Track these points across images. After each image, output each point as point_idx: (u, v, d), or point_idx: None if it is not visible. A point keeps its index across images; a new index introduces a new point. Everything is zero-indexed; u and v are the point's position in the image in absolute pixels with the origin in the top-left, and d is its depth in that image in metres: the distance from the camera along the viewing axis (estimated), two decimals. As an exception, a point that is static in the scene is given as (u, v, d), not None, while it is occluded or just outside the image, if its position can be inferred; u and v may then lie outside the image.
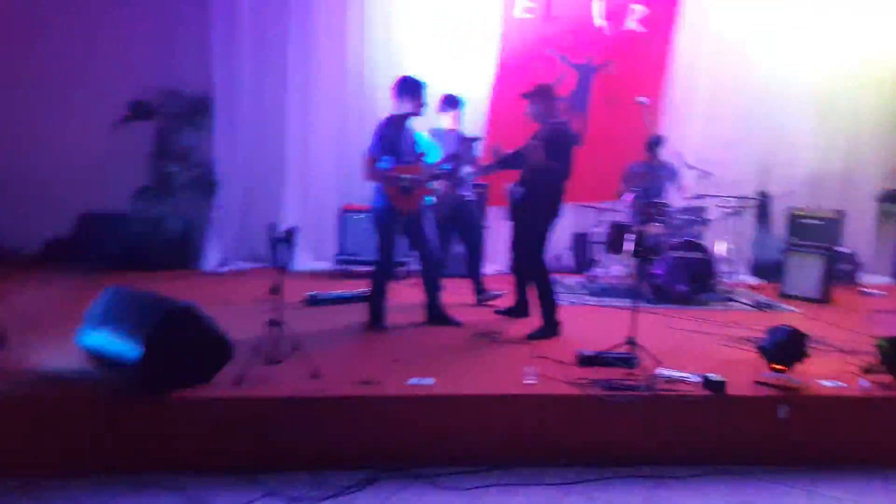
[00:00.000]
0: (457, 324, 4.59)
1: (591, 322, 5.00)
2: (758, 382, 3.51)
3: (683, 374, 3.56)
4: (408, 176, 4.31)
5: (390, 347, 4.10)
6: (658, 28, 6.89)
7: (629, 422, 3.27)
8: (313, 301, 5.16)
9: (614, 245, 6.07)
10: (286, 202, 6.85)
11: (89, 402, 3.14)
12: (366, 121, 6.85)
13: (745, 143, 7.09)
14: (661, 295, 5.63)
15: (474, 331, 4.49)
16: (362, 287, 5.40)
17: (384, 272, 4.46)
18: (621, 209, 6.52)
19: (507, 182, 4.68)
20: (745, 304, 5.69)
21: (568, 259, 7.12)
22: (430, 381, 3.39)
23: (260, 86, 6.77)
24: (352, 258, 6.42)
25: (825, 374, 3.60)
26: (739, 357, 4.03)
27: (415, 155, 4.49)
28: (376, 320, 4.45)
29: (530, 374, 3.45)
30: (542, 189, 4.39)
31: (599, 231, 6.28)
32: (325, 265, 6.82)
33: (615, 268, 6.54)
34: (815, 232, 5.93)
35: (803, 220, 6.01)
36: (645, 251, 5.85)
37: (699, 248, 5.65)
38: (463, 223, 5.18)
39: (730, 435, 3.31)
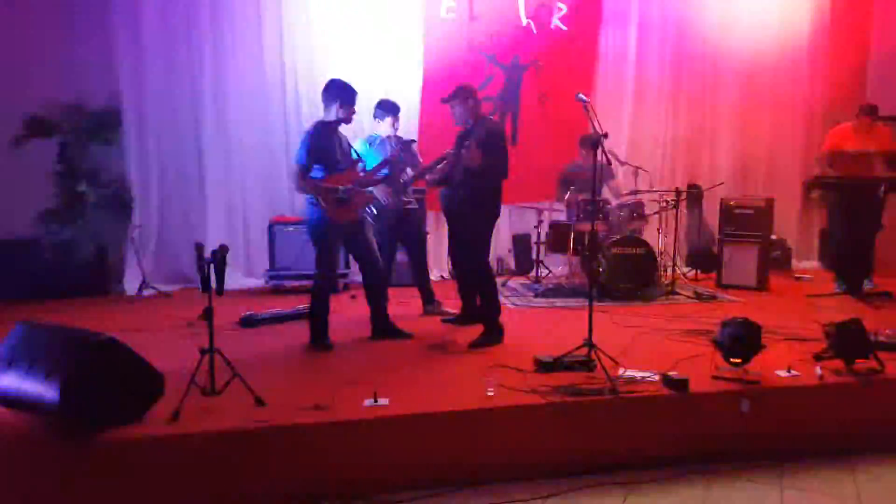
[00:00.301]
0: (406, 336, 4.37)
1: (541, 325, 4.90)
2: (715, 377, 3.48)
3: (644, 374, 3.49)
4: (343, 186, 4.06)
5: (338, 367, 3.83)
6: (583, 24, 6.92)
7: (596, 427, 3.16)
8: (248, 322, 4.81)
9: (557, 245, 6.05)
10: (209, 217, 6.49)
11: (4, 447, 2.76)
12: (290, 128, 6.63)
13: (672, 136, 7.24)
14: (606, 292, 5.60)
15: (425, 342, 4.29)
16: (300, 304, 5.14)
17: (325, 286, 4.18)
18: (560, 209, 6.52)
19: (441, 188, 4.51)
20: (687, 296, 5.74)
21: (509, 261, 7.04)
22: (384, 401, 3.16)
23: (172, 95, 6.36)
24: (284, 273, 6.09)
25: (779, 365, 3.61)
26: (692, 352, 4.00)
27: (349, 162, 4.24)
28: (320, 338, 4.17)
29: (490, 384, 3.28)
30: (479, 191, 4.23)
31: (538, 231, 6.22)
32: (255, 282, 6.47)
33: (558, 268, 6.52)
34: (748, 221, 6.07)
35: (735, 210, 6.14)
36: (589, 249, 5.88)
37: (641, 243, 5.66)
38: (407, 231, 4.98)
39: (696, 433, 3.25)
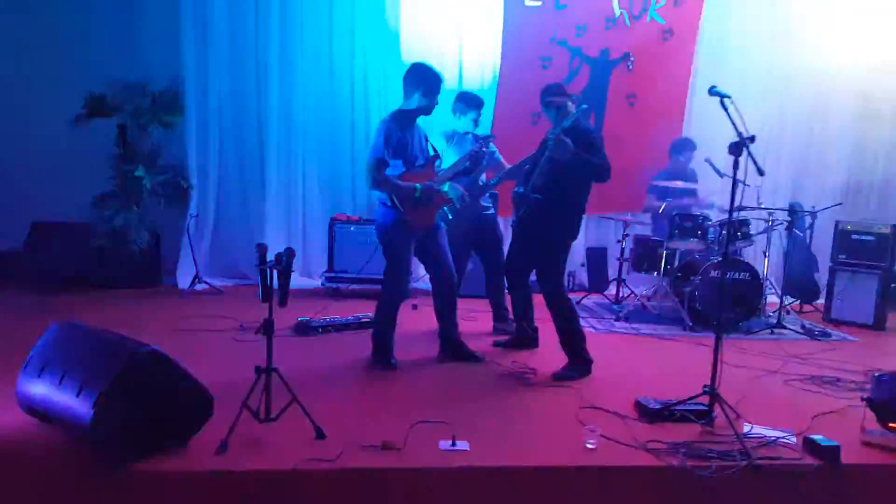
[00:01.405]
0: (479, 359, 3.86)
1: (630, 356, 4.31)
2: (866, 444, 2.85)
3: (778, 434, 2.88)
4: (422, 184, 3.57)
5: (405, 393, 3.35)
6: (682, 19, 6.23)
7: (723, 501, 2.57)
8: (303, 329, 4.39)
9: (642, 262, 5.43)
10: (267, 210, 6.10)
11: (28, 476, 2.39)
12: (356, 121, 6.20)
13: (775, 150, 6.51)
14: (702, 321, 4.96)
15: (500, 368, 3.76)
16: (359, 311, 4.70)
17: (394, 299, 3.69)
18: (646, 221, 5.90)
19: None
20: (796, 331, 5.04)
21: (581, 277, 6.43)
22: (464, 445, 2.66)
23: (236, 80, 6.02)
24: (343, 275, 5.66)
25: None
26: (824, 404, 3.37)
27: (427, 158, 3.75)
28: (383, 356, 3.70)
29: (592, 435, 2.73)
30: (564, 200, 3.67)
31: (622, 246, 5.61)
32: (311, 283, 6.07)
33: (640, 288, 5.89)
34: (867, 248, 5.32)
35: (853, 235, 5.39)
36: (682, 270, 5.25)
37: (744, 266, 4.99)
38: (483, 239, 4.46)
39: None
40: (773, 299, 5.61)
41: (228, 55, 5.99)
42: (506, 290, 4.36)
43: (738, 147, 2.89)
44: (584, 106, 3.69)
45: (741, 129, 2.93)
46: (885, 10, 6.37)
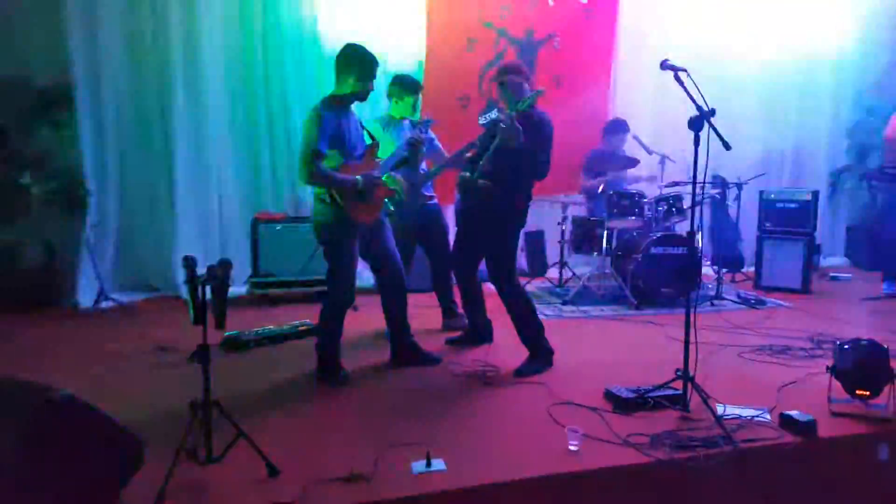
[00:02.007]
0: (436, 361, 3.61)
1: (585, 340, 4.20)
2: (835, 414, 2.84)
3: (752, 412, 2.82)
4: (363, 176, 3.25)
5: (362, 409, 3.04)
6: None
7: (714, 491, 2.46)
8: (232, 344, 3.95)
9: (581, 243, 5.35)
10: (178, 213, 5.53)
11: None
12: (274, 109, 5.73)
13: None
14: (644, 298, 4.93)
15: (460, 369, 3.53)
16: (293, 318, 4.34)
17: (339, 305, 3.35)
18: (580, 201, 5.84)
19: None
20: (733, 301, 5.11)
21: (521, 262, 6.30)
22: (440, 464, 2.40)
23: (134, 69, 5.38)
24: (270, 279, 5.23)
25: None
26: (783, 375, 3.38)
27: (366, 147, 3.43)
28: (331, 370, 3.36)
29: (574, 437, 2.55)
30: (515, 188, 3.46)
31: (563, 228, 5.50)
32: (235, 290, 5.56)
33: (580, 269, 5.83)
34: (791, 216, 5.47)
35: (777, 204, 5.53)
36: (622, 249, 5.20)
37: (682, 241, 5.00)
38: (427, 231, 4.19)
39: (831, 490, 2.59)
40: (706, 271, 5.70)
41: (123, 40, 5.32)
42: (453, 283, 4.12)
43: (700, 122, 2.75)
44: (542, 90, 3.47)
45: (700, 102, 2.79)
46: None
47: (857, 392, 2.84)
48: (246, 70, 5.64)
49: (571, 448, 2.52)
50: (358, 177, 3.22)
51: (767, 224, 5.59)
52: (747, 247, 6.30)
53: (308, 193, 5.82)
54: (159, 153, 5.51)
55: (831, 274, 6.30)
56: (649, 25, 6.39)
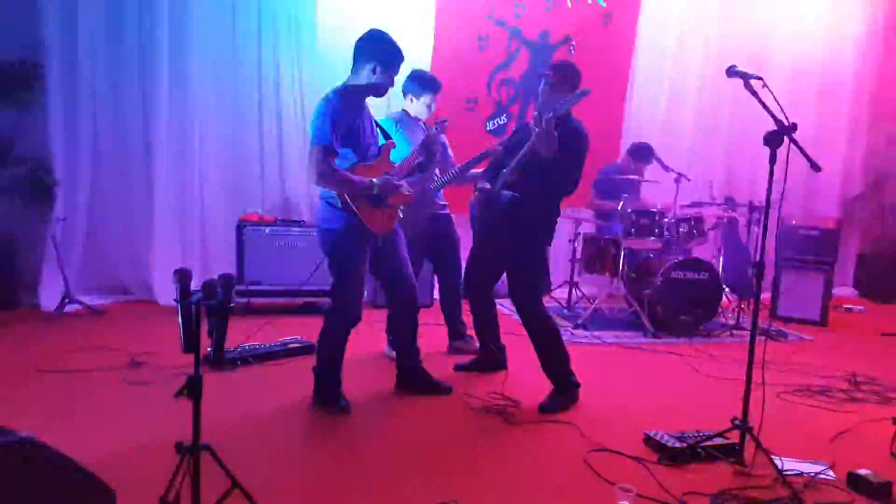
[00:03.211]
0: (445, 391, 3.20)
1: (609, 371, 3.83)
2: (906, 469, 2.52)
3: (814, 468, 2.48)
4: (379, 179, 2.85)
5: (368, 448, 2.63)
6: (623, 2, 5.88)
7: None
8: (217, 362, 3.47)
9: (593, 263, 5.01)
10: (156, 211, 5.06)
11: None
12: (265, 99, 5.29)
13: (712, 142, 6.35)
14: (661, 325, 4.60)
15: (475, 401, 3.12)
16: (282, 333, 3.90)
17: (344, 323, 2.92)
18: (594, 220, 5.49)
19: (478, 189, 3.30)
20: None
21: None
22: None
23: (113, 48, 4.91)
24: (256, 288, 4.78)
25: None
26: (831, 422, 3.06)
27: (381, 148, 3.03)
28: (330, 396, 2.94)
29: (625, 496, 2.17)
30: (545, 199, 3.11)
31: (574, 246, 5.15)
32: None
33: (588, 289, 5.48)
34: (812, 244, 5.21)
35: (800, 231, 5.26)
36: (637, 271, 4.87)
37: (703, 266, 4.68)
38: (439, 242, 3.79)
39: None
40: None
41: (104, 24, 4.88)
42: (462, 300, 3.74)
43: (778, 137, 2.41)
44: (587, 89, 3.11)
45: (779, 116, 2.45)
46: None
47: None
48: (236, 55, 5.20)
49: (624, 510, 2.14)
50: (374, 179, 2.82)
51: (787, 252, 5.31)
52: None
53: (300, 195, 5.45)
54: (137, 145, 5.04)
55: (845, 306, 6.05)
56: (671, 35, 6.12)
